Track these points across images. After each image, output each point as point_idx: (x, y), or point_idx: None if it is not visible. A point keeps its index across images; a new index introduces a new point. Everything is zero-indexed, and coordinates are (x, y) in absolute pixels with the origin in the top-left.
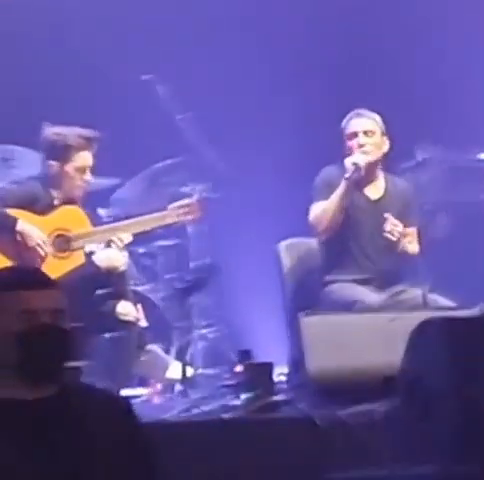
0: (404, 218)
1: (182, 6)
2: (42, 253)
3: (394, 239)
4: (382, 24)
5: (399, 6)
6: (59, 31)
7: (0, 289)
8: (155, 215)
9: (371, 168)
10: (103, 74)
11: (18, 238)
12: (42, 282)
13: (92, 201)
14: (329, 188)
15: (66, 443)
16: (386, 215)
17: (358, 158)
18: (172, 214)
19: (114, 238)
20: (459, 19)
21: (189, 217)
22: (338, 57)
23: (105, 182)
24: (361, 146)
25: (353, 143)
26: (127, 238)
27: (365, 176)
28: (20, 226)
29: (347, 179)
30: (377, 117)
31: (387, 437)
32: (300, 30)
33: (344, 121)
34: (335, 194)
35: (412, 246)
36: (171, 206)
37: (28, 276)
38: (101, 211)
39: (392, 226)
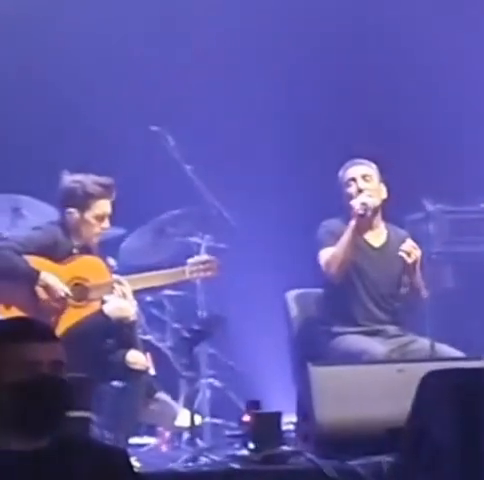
0: None
1: (192, 60)
2: (62, 306)
3: (409, 260)
4: (385, 78)
5: (404, 56)
6: (69, 80)
7: (1, 340)
8: (174, 270)
9: (373, 213)
10: (110, 125)
11: (39, 289)
12: (44, 334)
13: (99, 250)
14: (333, 236)
15: None
16: (406, 239)
17: (365, 198)
18: (192, 270)
19: (118, 290)
20: (465, 72)
21: (208, 273)
22: (340, 109)
23: (111, 232)
24: (361, 191)
25: (352, 189)
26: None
27: (368, 221)
28: (43, 278)
29: (358, 218)
30: (373, 165)
31: None
32: (301, 81)
33: (341, 171)
34: (344, 237)
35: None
36: (191, 261)
37: (30, 328)
38: (110, 260)
39: (411, 247)
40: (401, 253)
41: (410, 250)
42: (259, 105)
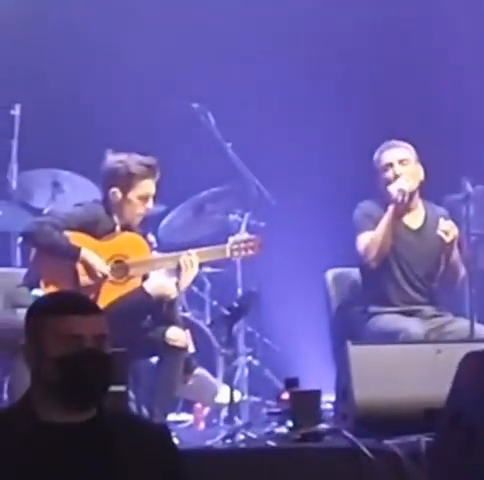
0: None
1: (230, 40)
2: (101, 282)
3: (448, 239)
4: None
5: (442, 41)
6: (111, 59)
7: (46, 313)
8: (216, 248)
9: (411, 197)
10: (151, 102)
11: (79, 266)
12: (87, 307)
13: (140, 227)
14: (370, 220)
15: (100, 468)
16: (441, 219)
17: (403, 184)
18: (233, 248)
19: (184, 260)
20: None
21: (250, 252)
22: (377, 90)
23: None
24: (398, 176)
25: (389, 174)
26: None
27: (406, 205)
28: (83, 255)
29: (396, 204)
30: (409, 146)
31: (432, 469)
32: (335, 65)
33: (376, 154)
34: (382, 223)
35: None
36: (232, 239)
37: (74, 301)
38: (151, 237)
39: (448, 226)
40: (439, 232)
41: (448, 229)
42: (298, 88)
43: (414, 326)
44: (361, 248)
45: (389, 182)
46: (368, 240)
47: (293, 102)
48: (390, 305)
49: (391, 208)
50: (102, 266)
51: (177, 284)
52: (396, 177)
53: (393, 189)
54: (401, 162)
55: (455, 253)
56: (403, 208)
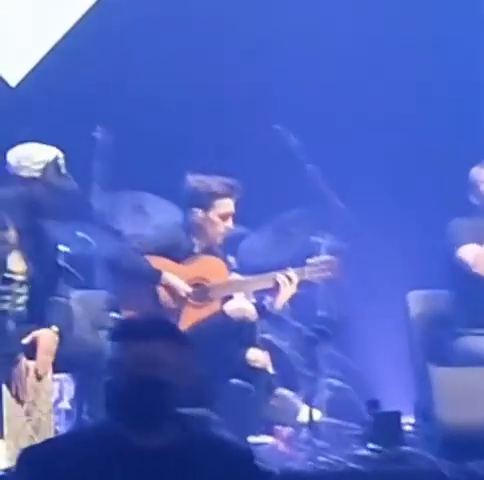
0: None
1: (316, 60)
2: (182, 306)
3: None
4: None
5: None
6: (194, 82)
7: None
8: (295, 269)
9: None
10: (232, 123)
11: (160, 289)
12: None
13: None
14: (468, 233)
15: None
16: None
17: None
18: (311, 270)
19: (282, 278)
20: None
21: (328, 274)
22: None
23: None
24: None
25: None
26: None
27: None
28: (165, 278)
29: None
30: None
31: None
32: (426, 80)
33: (476, 168)
34: None
35: None
36: (310, 261)
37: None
38: (231, 259)
39: None
40: None
41: None
42: (381, 105)
43: None
44: (470, 258)
45: None
46: (473, 255)
47: (377, 121)
48: (479, 326)
49: None
50: (184, 286)
51: (272, 304)
52: None
53: None
54: None
55: None
56: None
